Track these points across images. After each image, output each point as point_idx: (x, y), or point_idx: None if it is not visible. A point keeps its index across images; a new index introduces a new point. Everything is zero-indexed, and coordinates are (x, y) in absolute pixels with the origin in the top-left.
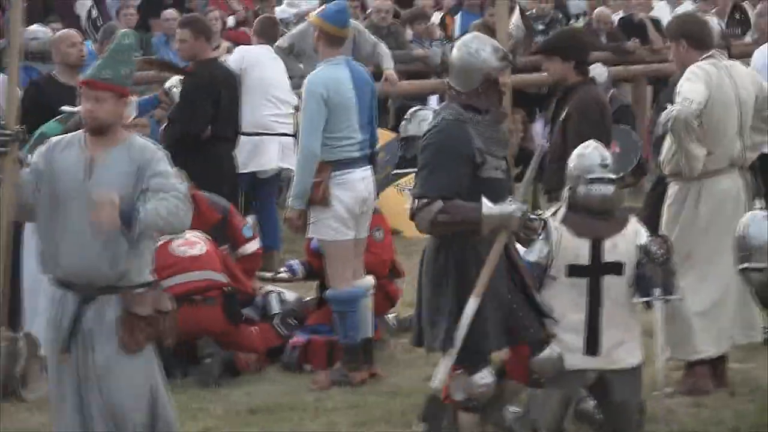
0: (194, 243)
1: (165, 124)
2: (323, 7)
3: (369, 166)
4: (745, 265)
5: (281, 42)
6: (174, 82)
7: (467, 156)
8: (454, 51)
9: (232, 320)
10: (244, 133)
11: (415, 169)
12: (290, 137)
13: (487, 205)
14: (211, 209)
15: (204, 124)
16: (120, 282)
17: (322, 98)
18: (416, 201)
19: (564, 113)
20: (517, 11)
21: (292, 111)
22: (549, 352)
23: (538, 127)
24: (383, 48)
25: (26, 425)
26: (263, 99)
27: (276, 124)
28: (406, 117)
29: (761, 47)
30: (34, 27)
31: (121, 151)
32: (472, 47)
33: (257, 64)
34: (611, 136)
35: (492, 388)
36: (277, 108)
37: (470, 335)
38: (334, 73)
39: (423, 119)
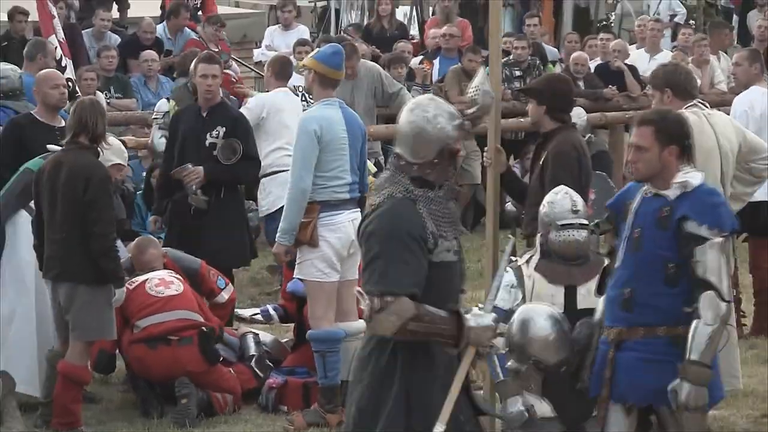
0: (170, 282)
1: (236, 160)
2: (317, 49)
3: (358, 209)
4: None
5: None
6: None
7: (422, 241)
8: (405, 114)
9: (209, 360)
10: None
11: None
12: None
13: (469, 320)
14: (180, 273)
15: None
16: None
17: (315, 135)
18: (376, 299)
19: (542, 159)
20: (482, 72)
21: None
22: (518, 408)
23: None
24: (408, 96)
25: None
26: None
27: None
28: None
29: (739, 96)
30: (2, 66)
31: None
32: (430, 112)
33: (279, 111)
34: (589, 181)
35: None
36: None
37: None
38: (327, 113)
39: None
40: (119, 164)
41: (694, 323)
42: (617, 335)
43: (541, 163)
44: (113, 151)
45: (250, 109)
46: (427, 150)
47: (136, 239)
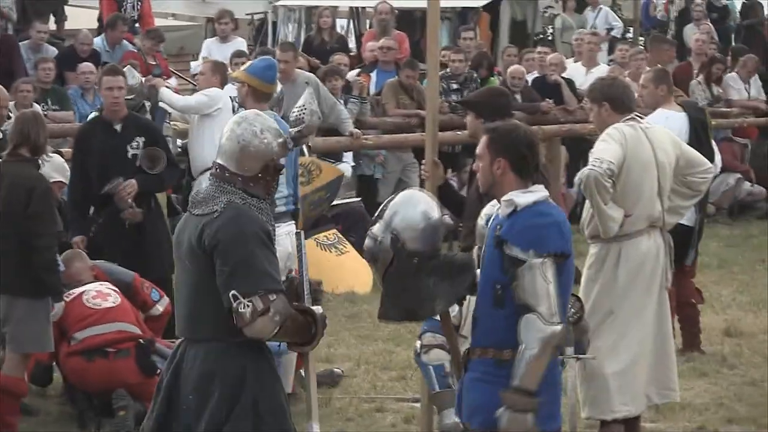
0: (107, 295)
1: (161, 168)
2: (250, 62)
3: (293, 221)
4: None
5: None
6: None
7: (272, 242)
8: (232, 127)
9: (146, 372)
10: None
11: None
12: None
13: (320, 313)
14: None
15: None
16: None
17: None
18: (259, 299)
19: None
20: (308, 92)
21: None
22: (453, 420)
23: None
24: (343, 112)
25: None
26: None
27: None
28: None
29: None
30: None
31: None
32: (257, 127)
33: (228, 109)
34: None
35: None
36: None
37: None
38: None
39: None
40: (61, 182)
41: (519, 348)
42: (465, 356)
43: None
44: (55, 168)
45: (210, 96)
46: (253, 164)
47: (63, 253)
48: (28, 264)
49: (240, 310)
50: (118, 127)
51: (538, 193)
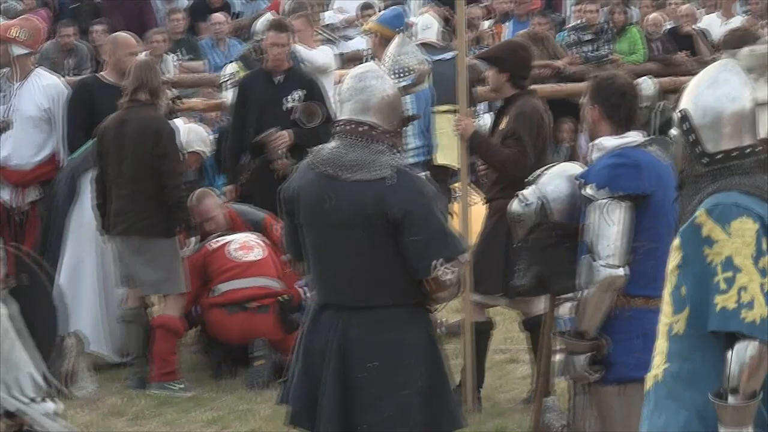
0: (251, 247)
1: (318, 122)
2: (381, 13)
3: (426, 173)
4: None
5: None
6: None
7: None
8: (374, 83)
9: (286, 329)
10: None
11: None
12: None
13: None
14: (245, 225)
15: None
16: None
17: None
18: (456, 266)
19: (503, 123)
20: (401, 38)
21: None
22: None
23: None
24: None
25: (74, 422)
26: None
27: None
28: None
29: None
30: None
31: None
32: (391, 82)
33: None
34: (546, 148)
35: None
36: None
37: None
38: None
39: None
40: (198, 153)
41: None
42: None
43: (501, 128)
44: (199, 138)
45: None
46: (397, 118)
47: (195, 191)
48: (158, 204)
49: (444, 277)
50: (278, 79)
51: (628, 138)
